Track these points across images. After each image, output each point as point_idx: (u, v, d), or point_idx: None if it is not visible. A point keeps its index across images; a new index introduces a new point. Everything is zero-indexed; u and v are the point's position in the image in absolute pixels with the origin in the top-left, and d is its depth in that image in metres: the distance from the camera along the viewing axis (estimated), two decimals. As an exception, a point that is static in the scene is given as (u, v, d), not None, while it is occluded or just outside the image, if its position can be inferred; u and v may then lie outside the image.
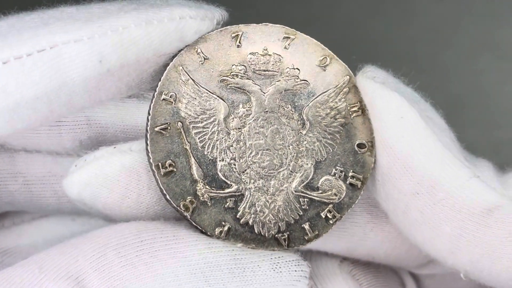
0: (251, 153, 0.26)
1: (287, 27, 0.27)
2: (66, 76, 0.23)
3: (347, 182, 0.27)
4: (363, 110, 0.27)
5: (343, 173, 0.27)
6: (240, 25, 0.27)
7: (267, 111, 0.27)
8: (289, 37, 0.27)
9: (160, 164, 0.26)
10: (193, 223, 0.26)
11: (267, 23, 0.27)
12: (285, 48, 0.27)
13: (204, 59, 0.26)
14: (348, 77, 0.27)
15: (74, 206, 0.28)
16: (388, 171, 0.25)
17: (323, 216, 0.27)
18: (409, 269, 0.32)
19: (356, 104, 0.27)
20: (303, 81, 0.27)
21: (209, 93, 0.26)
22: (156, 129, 0.26)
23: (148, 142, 0.26)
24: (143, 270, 0.24)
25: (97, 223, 0.30)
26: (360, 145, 0.27)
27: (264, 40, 0.27)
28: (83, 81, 0.24)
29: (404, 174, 0.25)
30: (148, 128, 0.26)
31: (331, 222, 0.27)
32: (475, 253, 0.25)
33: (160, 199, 0.27)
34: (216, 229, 0.26)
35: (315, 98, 0.27)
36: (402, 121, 0.25)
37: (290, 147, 0.27)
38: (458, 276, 0.27)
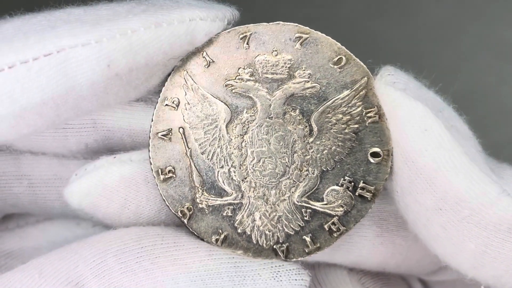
0: (252, 160, 0.25)
1: (300, 25, 0.25)
2: (74, 80, 0.23)
3: (356, 193, 0.25)
4: (380, 115, 0.25)
5: (353, 183, 0.25)
6: (249, 25, 0.25)
7: (272, 117, 0.25)
8: (301, 37, 0.25)
9: (160, 170, 0.26)
10: (190, 229, 0.26)
11: (278, 22, 0.25)
12: (297, 48, 0.25)
13: (210, 62, 0.25)
14: (366, 78, 0.25)
15: (78, 209, 0.28)
16: (409, 185, 0.24)
17: (327, 229, 0.26)
18: (419, 276, 0.32)
19: (373, 109, 0.25)
20: (313, 85, 0.25)
21: (213, 98, 0.25)
22: (158, 135, 0.26)
23: (150, 148, 0.26)
24: (143, 277, 0.24)
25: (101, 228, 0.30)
26: (374, 154, 0.25)
27: (274, 40, 0.25)
28: (90, 86, 0.23)
29: (426, 189, 0.23)
30: (151, 134, 0.26)
31: (335, 235, 0.25)
32: (499, 269, 0.24)
33: (160, 211, 0.27)
34: (213, 237, 0.26)
35: (326, 102, 0.25)
36: (426, 134, 0.23)
37: (295, 155, 0.25)
38: (469, 283, 0.26)
